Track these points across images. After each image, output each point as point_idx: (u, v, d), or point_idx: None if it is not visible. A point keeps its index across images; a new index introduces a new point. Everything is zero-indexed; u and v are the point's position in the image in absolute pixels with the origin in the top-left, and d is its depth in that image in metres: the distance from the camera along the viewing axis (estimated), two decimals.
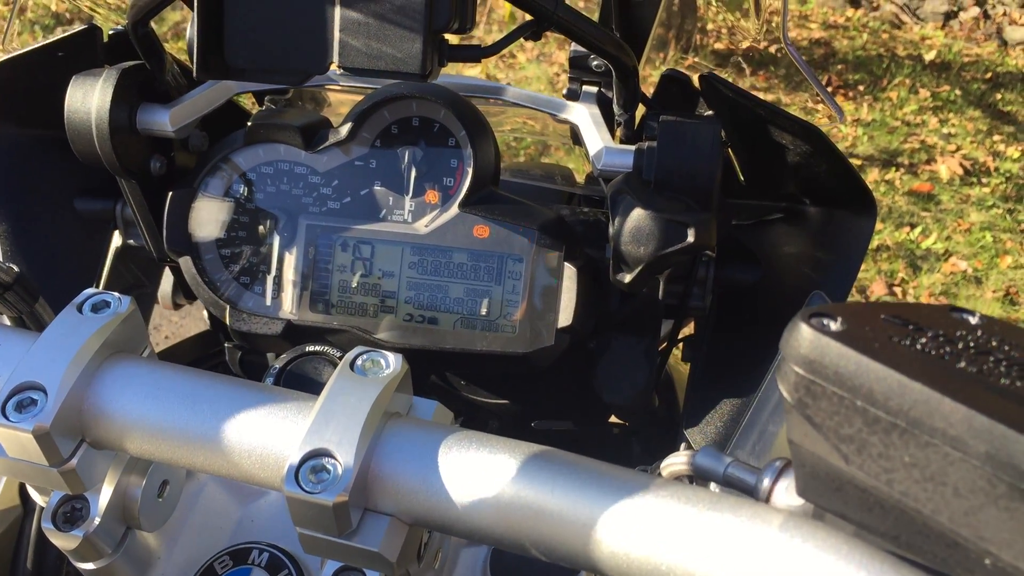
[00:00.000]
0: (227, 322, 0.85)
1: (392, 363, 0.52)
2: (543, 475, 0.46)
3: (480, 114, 0.84)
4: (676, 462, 0.52)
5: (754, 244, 0.89)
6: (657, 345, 0.87)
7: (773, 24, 0.93)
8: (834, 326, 0.37)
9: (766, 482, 0.45)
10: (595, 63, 0.93)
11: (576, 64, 0.95)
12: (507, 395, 0.96)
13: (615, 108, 0.87)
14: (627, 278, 0.75)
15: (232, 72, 0.69)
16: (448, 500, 0.47)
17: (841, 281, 0.82)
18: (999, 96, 5.22)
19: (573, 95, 0.94)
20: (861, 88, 5.35)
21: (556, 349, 0.82)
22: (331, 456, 0.47)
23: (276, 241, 0.85)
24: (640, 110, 0.88)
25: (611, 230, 0.75)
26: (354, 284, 0.84)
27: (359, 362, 0.52)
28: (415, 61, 0.66)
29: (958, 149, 4.78)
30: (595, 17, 0.90)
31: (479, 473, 0.47)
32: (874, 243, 3.99)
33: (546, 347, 0.82)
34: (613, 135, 0.88)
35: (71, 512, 0.59)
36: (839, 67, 5.87)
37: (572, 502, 0.45)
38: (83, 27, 0.87)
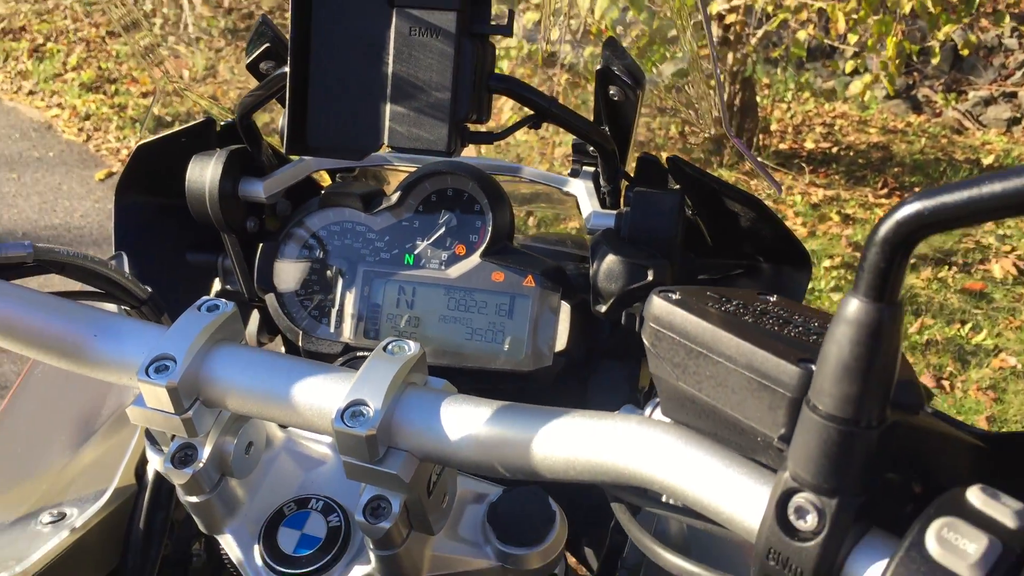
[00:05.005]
0: (299, 344, 1.08)
1: (412, 348, 0.70)
2: (509, 418, 0.65)
3: (499, 186, 1.06)
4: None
5: None
6: (638, 369, 1.08)
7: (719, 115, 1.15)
8: (674, 296, 0.58)
9: (648, 409, 0.66)
10: (591, 148, 1.17)
11: (577, 149, 1.18)
12: None
13: (601, 182, 1.11)
14: (603, 308, 0.97)
15: (311, 150, 0.92)
16: (446, 440, 0.66)
17: None
18: None
19: (575, 173, 1.17)
20: (917, 190, 5.41)
21: (554, 369, 1.02)
22: (366, 404, 0.65)
23: (340, 283, 1.08)
24: (624, 184, 1.11)
25: (591, 272, 0.97)
26: (398, 317, 1.07)
27: (389, 347, 0.70)
28: (442, 142, 0.87)
29: (1013, 250, 4.82)
30: (591, 113, 1.13)
31: (468, 421, 0.66)
32: (923, 338, 4.05)
33: (546, 367, 1.02)
34: (604, 203, 1.11)
35: (184, 456, 0.79)
36: (895, 169, 5.96)
37: (526, 433, 0.64)
38: (201, 120, 1.14)
